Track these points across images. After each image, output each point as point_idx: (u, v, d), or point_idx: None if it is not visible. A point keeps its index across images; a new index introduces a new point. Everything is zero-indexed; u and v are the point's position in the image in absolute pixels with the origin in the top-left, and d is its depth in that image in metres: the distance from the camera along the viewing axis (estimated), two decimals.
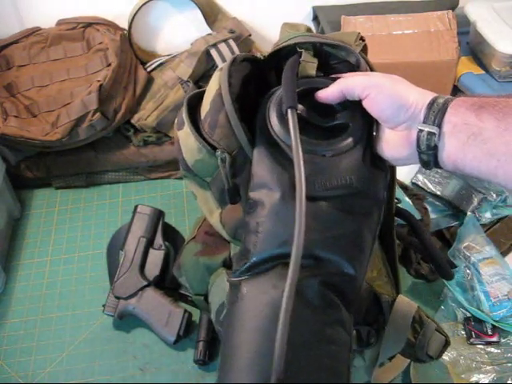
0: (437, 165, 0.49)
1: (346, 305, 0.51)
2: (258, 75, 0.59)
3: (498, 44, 1.03)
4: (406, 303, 0.65)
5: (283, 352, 0.42)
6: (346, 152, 0.52)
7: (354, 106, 0.53)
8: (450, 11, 1.08)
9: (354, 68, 0.57)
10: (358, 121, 0.53)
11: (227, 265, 0.71)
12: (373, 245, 0.53)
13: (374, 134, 0.54)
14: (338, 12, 1.11)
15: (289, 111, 0.50)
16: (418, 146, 0.48)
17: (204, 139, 0.54)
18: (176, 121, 0.58)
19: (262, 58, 0.58)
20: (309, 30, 0.64)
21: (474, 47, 1.13)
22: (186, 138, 0.55)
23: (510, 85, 1.05)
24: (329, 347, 0.48)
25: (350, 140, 0.52)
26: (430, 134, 0.47)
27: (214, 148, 0.53)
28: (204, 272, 0.73)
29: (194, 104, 0.57)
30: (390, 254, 0.69)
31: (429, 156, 0.48)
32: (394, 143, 0.52)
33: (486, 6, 1.10)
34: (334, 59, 0.58)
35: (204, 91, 0.57)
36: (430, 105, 0.47)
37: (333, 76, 0.56)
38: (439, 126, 0.47)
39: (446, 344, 0.65)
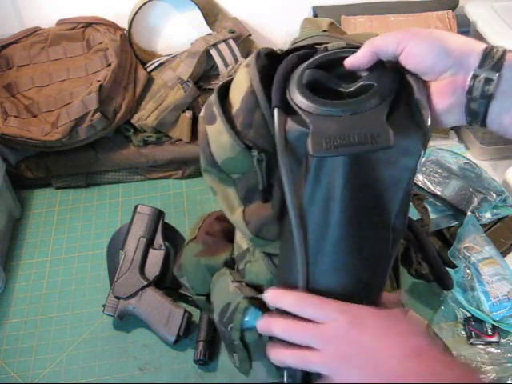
0: (483, 120, 0.46)
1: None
2: (275, 69, 0.57)
3: (497, 44, 1.03)
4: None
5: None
6: (368, 111, 0.48)
7: (380, 67, 0.50)
8: (450, 11, 1.08)
9: None
10: (385, 79, 0.49)
11: (229, 265, 0.71)
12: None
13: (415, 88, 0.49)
14: (338, 12, 1.11)
15: (275, 111, 0.49)
16: (470, 92, 0.44)
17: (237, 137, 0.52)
18: (203, 114, 0.56)
19: (280, 53, 0.57)
20: (331, 24, 0.62)
21: None
22: (217, 134, 0.53)
23: None
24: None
25: (373, 99, 0.48)
26: (488, 80, 0.43)
27: (249, 147, 0.52)
28: (205, 272, 0.73)
29: (222, 95, 0.55)
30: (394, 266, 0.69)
31: (480, 105, 0.45)
32: (434, 92, 0.47)
33: (485, 6, 1.10)
34: None
35: (229, 82, 0.55)
36: (486, 50, 0.45)
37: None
38: (499, 71, 0.43)
39: None
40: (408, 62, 0.47)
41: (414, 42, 0.46)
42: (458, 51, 0.45)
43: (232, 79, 0.55)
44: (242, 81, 0.52)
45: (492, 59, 0.44)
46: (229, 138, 0.52)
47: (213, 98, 0.54)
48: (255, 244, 0.61)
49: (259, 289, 0.65)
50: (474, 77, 0.44)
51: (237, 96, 0.53)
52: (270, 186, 0.53)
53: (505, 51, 0.45)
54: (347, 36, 0.61)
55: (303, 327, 0.48)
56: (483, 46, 0.46)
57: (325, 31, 0.61)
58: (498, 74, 0.43)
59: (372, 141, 0.45)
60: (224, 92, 0.55)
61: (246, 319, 0.64)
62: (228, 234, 0.76)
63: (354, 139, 0.46)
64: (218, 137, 0.53)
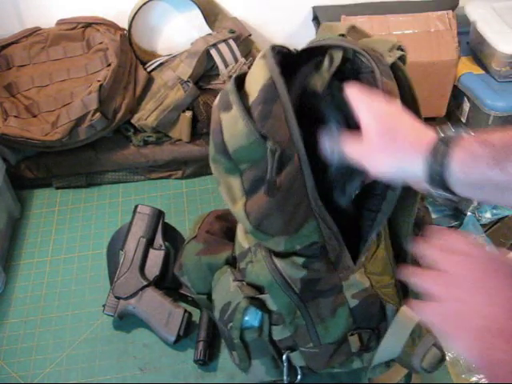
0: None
1: None
2: (287, 68, 0.58)
3: (498, 44, 1.03)
4: (408, 314, 0.65)
5: None
6: None
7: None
8: (450, 11, 1.08)
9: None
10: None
11: (230, 263, 0.71)
12: None
13: None
14: (338, 12, 1.11)
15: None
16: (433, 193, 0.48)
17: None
18: (218, 101, 0.56)
19: (294, 52, 0.58)
20: (352, 28, 0.62)
21: (474, 47, 1.13)
22: (233, 122, 0.53)
23: (509, 85, 1.05)
24: None
25: None
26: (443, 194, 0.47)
27: (264, 137, 0.52)
28: (206, 271, 0.73)
29: (238, 85, 0.55)
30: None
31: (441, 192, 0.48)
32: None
33: (485, 6, 1.10)
34: (366, 68, 0.56)
35: (245, 73, 0.56)
36: (432, 155, 0.46)
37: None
38: (447, 186, 0.45)
39: (442, 359, 0.65)
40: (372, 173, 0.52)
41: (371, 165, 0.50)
42: (411, 161, 0.47)
43: (247, 72, 0.56)
44: (260, 72, 0.53)
45: (438, 163, 0.45)
46: (244, 126, 0.52)
47: (229, 86, 0.54)
48: (256, 237, 0.61)
49: (259, 289, 0.65)
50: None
51: (254, 87, 0.53)
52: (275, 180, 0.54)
53: (443, 159, 0.45)
54: (364, 41, 0.61)
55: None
56: (427, 146, 0.46)
57: (342, 35, 0.60)
58: (448, 192, 0.46)
59: None
60: (239, 82, 0.55)
61: (246, 318, 0.65)
62: (228, 233, 0.77)
63: None
64: (233, 124, 0.53)
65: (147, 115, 1.04)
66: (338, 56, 0.55)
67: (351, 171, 0.57)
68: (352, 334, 0.65)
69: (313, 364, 0.67)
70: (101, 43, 1.04)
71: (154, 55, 1.16)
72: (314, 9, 1.17)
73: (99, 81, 0.99)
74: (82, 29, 1.07)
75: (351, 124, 0.55)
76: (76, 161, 1.05)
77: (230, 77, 1.04)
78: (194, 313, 0.84)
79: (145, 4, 1.08)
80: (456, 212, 0.94)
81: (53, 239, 0.99)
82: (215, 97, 1.01)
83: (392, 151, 0.48)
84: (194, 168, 1.08)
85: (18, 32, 1.07)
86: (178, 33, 1.16)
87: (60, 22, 1.08)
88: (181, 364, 0.81)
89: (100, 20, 1.07)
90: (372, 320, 0.65)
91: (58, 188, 1.08)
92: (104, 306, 0.84)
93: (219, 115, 0.55)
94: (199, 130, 1.06)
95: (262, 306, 0.65)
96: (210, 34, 1.08)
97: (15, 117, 0.99)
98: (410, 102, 0.56)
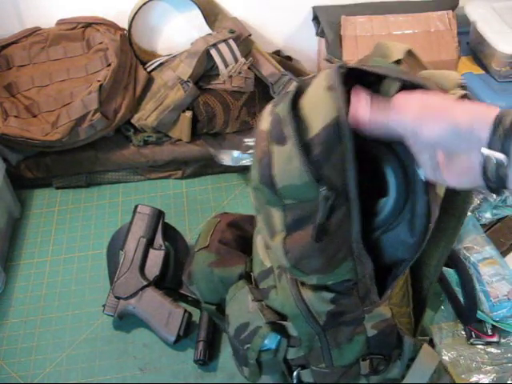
0: (506, 187, 0.43)
1: None
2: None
3: (498, 44, 1.03)
4: (430, 354, 0.66)
5: None
6: None
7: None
8: (450, 11, 1.08)
9: None
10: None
11: (244, 277, 0.70)
12: None
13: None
14: (338, 12, 1.11)
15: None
16: (485, 173, 0.42)
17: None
18: (269, 129, 0.51)
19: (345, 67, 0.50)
20: (408, 52, 0.58)
21: (474, 47, 1.13)
22: (286, 158, 0.48)
23: (510, 85, 1.05)
24: None
25: None
26: (500, 164, 0.40)
27: (318, 180, 0.48)
28: (218, 284, 0.72)
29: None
30: (420, 304, 0.70)
31: (498, 183, 0.42)
32: (454, 171, 0.45)
33: (485, 5, 1.10)
34: None
35: (294, 97, 0.50)
36: (495, 125, 0.40)
37: None
38: (508, 153, 0.40)
39: None
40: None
41: (427, 128, 0.44)
42: (466, 127, 0.42)
43: (301, 88, 0.50)
44: (325, 106, 0.47)
45: (500, 137, 0.40)
46: (300, 166, 0.48)
47: (285, 115, 0.49)
48: (291, 273, 0.59)
49: (281, 313, 0.64)
50: (486, 159, 0.41)
51: (314, 119, 0.48)
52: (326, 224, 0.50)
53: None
54: (425, 74, 0.57)
55: None
56: (494, 113, 0.41)
57: (397, 61, 0.56)
58: (507, 157, 0.40)
59: None
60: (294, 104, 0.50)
61: (265, 342, 0.64)
62: (240, 242, 0.76)
63: None
64: (286, 161, 0.49)
65: (147, 115, 1.04)
66: (394, 88, 0.50)
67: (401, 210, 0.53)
68: (364, 359, 0.65)
69: (322, 382, 0.68)
70: (101, 43, 1.05)
71: (154, 55, 1.16)
72: (314, 9, 1.17)
73: (99, 81, 0.99)
74: (81, 29, 1.07)
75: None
76: (76, 161, 1.05)
77: (230, 77, 1.04)
78: (194, 313, 0.84)
79: (145, 4, 1.08)
80: None
81: (53, 239, 0.99)
82: (215, 97, 1.04)
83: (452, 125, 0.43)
84: (194, 168, 1.08)
85: (18, 32, 1.07)
86: (178, 33, 1.16)
87: (60, 22, 1.08)
88: (181, 364, 0.81)
89: (100, 20, 1.07)
90: (386, 348, 0.66)
91: (58, 188, 1.08)
92: (104, 306, 0.84)
93: (269, 145, 0.50)
94: (199, 129, 1.06)
95: (282, 331, 0.64)
96: (210, 34, 1.07)
97: (15, 117, 0.99)
98: None
